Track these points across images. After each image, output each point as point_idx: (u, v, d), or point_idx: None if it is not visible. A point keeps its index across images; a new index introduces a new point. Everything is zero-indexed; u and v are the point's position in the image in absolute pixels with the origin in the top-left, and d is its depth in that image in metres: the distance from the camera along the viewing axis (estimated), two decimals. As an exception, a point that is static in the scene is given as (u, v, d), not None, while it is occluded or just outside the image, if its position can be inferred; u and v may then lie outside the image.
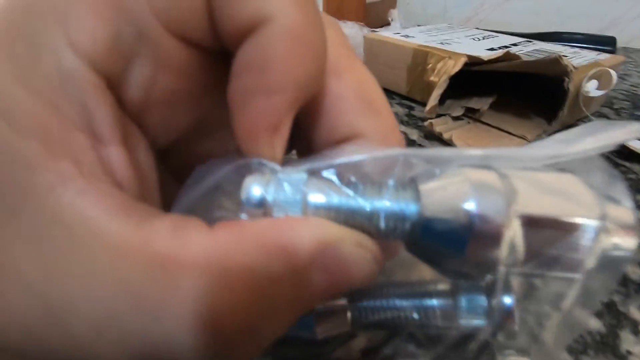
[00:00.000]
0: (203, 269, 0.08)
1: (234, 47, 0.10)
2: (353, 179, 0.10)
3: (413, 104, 0.43)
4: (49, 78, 0.09)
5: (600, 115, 0.41)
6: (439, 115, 0.37)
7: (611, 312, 0.19)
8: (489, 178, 0.10)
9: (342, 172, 0.11)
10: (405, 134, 0.37)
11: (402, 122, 0.39)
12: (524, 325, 0.12)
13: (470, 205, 0.09)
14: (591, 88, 0.34)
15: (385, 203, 0.10)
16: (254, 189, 0.10)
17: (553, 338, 0.11)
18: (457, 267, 0.10)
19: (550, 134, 0.27)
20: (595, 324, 0.18)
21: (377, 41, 0.45)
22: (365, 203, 0.10)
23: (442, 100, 0.37)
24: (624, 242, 0.09)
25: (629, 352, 0.17)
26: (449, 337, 0.11)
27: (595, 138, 0.10)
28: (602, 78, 0.35)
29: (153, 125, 0.11)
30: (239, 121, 0.10)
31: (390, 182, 0.10)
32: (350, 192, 0.10)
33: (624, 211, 0.10)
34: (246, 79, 0.10)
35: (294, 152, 0.15)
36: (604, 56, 0.40)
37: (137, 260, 0.08)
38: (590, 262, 0.09)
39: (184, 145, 0.13)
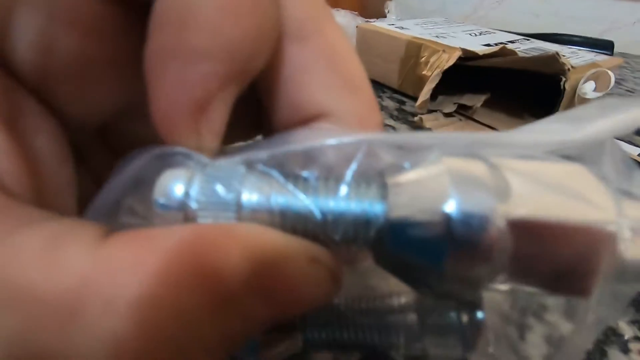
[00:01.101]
0: (76, 304, 0.06)
1: None
2: (304, 173, 0.08)
3: (405, 99, 0.41)
4: None
5: (595, 119, 0.40)
6: (430, 111, 0.36)
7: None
8: (474, 169, 0.08)
9: (290, 165, 0.08)
10: (393, 128, 0.36)
11: (391, 116, 0.38)
12: (504, 340, 0.11)
13: (450, 206, 0.07)
14: (588, 89, 0.33)
15: (343, 203, 0.08)
16: (173, 187, 0.08)
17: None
18: (435, 284, 0.08)
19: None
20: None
21: (371, 32, 0.43)
22: (317, 203, 0.08)
23: (434, 95, 0.35)
24: None
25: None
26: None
27: (609, 119, 0.08)
28: (599, 80, 0.34)
29: (64, 100, 0.09)
30: (153, 96, 0.08)
31: (350, 175, 0.08)
32: (299, 190, 0.08)
33: None
34: (163, 37, 0.07)
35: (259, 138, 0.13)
36: (602, 57, 0.39)
37: None
38: (604, 276, 0.07)
39: (124, 124, 0.11)
